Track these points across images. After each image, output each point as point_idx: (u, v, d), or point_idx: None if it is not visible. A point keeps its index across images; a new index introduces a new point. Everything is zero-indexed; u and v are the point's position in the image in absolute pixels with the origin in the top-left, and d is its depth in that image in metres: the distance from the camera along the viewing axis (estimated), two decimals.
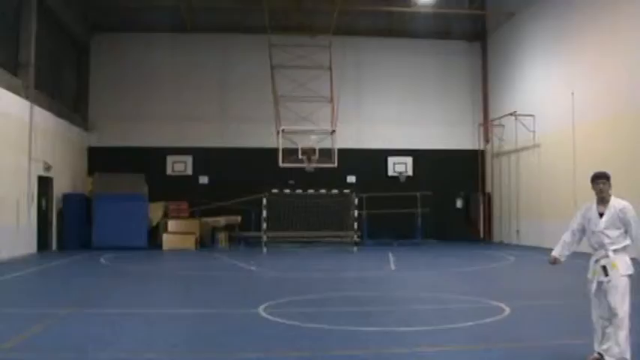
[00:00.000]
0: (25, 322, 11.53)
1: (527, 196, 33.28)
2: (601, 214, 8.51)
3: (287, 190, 31.02)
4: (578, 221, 8.77)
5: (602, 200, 8.56)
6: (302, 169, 33.56)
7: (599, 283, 8.43)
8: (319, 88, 34.79)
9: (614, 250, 8.37)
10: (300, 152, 33.38)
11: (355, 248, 30.23)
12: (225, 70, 36.70)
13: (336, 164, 33.21)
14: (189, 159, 36.06)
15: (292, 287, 17.20)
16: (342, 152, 33.75)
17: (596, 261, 8.50)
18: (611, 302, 8.26)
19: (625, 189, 24.71)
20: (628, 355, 8.12)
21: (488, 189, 38.45)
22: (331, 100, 34.56)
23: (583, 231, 8.74)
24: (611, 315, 8.26)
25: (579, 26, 28.42)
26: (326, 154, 33.41)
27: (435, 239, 35.59)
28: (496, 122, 36.61)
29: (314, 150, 33.56)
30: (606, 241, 8.40)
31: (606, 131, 26.18)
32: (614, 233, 8.37)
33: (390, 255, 27.07)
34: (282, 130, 33.03)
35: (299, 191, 31.09)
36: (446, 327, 11.16)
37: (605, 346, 8.35)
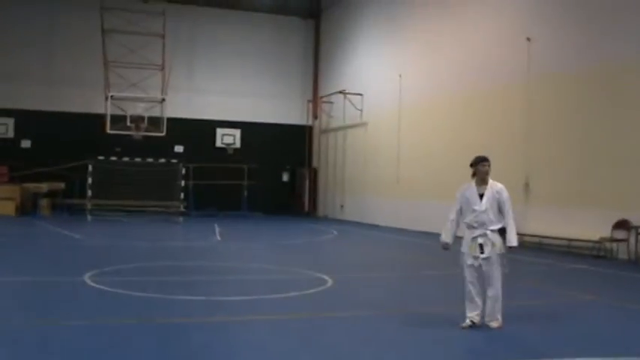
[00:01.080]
0: None
1: (352, 172, 34.34)
2: (481, 195, 9.20)
3: (114, 158, 30.59)
4: (459, 202, 9.41)
5: (483, 181, 9.28)
6: (130, 137, 33.07)
7: (475, 258, 9.15)
8: (151, 55, 34.23)
9: (492, 230, 9.15)
10: (128, 119, 32.87)
11: (181, 218, 30.26)
12: (53, 30, 35.36)
13: (164, 133, 32.98)
14: (10, 121, 34.55)
15: (118, 256, 17.11)
16: (171, 121, 33.51)
17: (473, 238, 9.17)
18: (490, 277, 9.14)
19: (443, 167, 26.16)
20: (501, 319, 9.14)
21: (314, 164, 39.31)
22: (163, 69, 34.18)
23: (462, 211, 9.38)
24: (486, 286, 9.16)
25: (411, 13, 29.60)
26: (155, 122, 33.08)
27: (261, 212, 36.05)
28: (325, 99, 37.43)
29: (143, 118, 33.14)
30: (487, 220, 9.13)
31: (429, 113, 27.51)
32: (493, 213, 9.14)
33: (216, 226, 27.28)
34: (111, 97, 32.42)
35: (126, 159, 30.71)
36: (270, 297, 11.55)
37: (474, 313, 9.14)
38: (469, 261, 9.20)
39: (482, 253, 9.12)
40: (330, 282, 13.19)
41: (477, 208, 9.16)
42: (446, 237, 9.49)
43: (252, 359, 7.62)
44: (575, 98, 20.60)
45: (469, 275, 9.21)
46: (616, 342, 8.83)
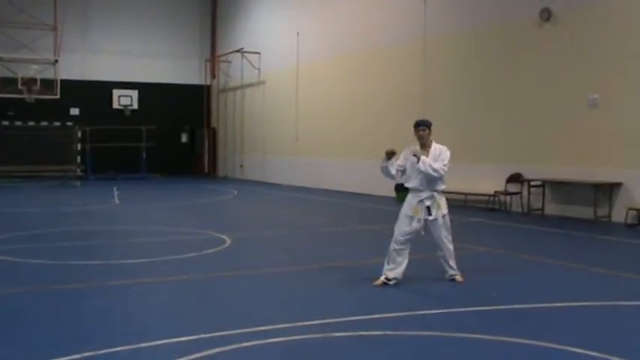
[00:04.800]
0: None
1: (251, 131, 34.26)
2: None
3: (5, 122, 29.69)
4: (400, 162, 9.36)
5: (423, 146, 9.26)
6: (22, 100, 32.16)
7: (422, 221, 9.20)
8: (42, 14, 33.19)
9: (438, 192, 9.29)
10: (20, 82, 31.93)
11: (78, 182, 29.68)
12: None
13: (58, 95, 32.19)
14: None
15: (12, 223, 16.65)
16: (66, 83, 32.72)
17: (420, 201, 9.20)
18: (440, 237, 9.33)
19: (341, 125, 26.38)
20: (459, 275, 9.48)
21: (213, 124, 39.03)
22: (55, 29, 33.23)
23: (404, 172, 9.37)
24: (437, 248, 9.47)
25: None
26: (48, 84, 32.23)
27: (161, 173, 35.66)
28: (223, 58, 37.10)
29: (35, 80, 32.25)
30: (431, 181, 9.18)
31: (326, 72, 27.62)
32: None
33: (114, 189, 26.91)
34: (1, 58, 31.40)
35: (19, 123, 29.86)
36: (169, 258, 11.51)
37: (394, 272, 9.17)
38: (407, 227, 9.19)
39: (429, 215, 9.21)
40: (228, 241, 13.23)
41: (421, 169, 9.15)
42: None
43: (150, 320, 7.59)
44: (470, 57, 21.03)
45: (401, 237, 9.19)
46: (502, 291, 9.14)
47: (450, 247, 9.44)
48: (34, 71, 32.77)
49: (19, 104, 32.24)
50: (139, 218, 18.31)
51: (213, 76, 38.55)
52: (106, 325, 7.35)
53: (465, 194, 20.36)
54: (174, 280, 9.75)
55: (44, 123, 30.28)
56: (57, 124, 30.56)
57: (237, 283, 9.69)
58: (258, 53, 33.17)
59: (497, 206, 19.69)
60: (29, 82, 32.07)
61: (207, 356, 6.14)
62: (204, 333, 6.77)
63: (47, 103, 32.17)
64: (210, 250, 12.25)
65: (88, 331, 7.06)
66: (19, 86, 31.84)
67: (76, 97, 34.43)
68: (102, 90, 35.87)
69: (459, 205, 20.25)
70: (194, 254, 11.84)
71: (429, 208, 9.23)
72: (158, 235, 14.74)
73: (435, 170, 9.07)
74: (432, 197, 9.24)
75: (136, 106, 36.74)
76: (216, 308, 8.18)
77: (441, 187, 9.34)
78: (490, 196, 19.66)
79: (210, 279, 9.93)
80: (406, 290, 8.94)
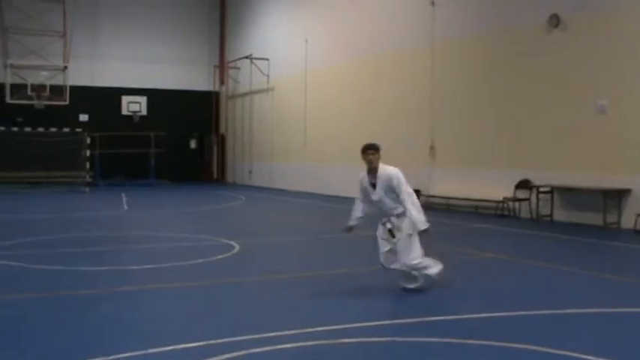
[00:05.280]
0: None
1: (260, 138, 34.28)
2: (373, 184, 9.00)
3: (15, 128, 29.76)
4: (360, 191, 9.25)
5: (372, 170, 9.02)
6: (32, 106, 32.26)
7: (388, 242, 9.06)
8: (51, 21, 33.34)
9: (397, 215, 8.96)
10: (29, 88, 32.04)
11: (88, 188, 29.72)
12: None
13: (68, 102, 32.27)
14: None
15: (21, 229, 16.71)
16: (75, 89, 32.83)
17: (383, 224, 9.09)
18: (403, 259, 8.93)
19: (349, 131, 26.35)
20: (437, 271, 9.14)
21: (222, 130, 39.06)
22: (64, 35, 33.34)
23: (367, 198, 9.19)
24: (404, 266, 9.01)
25: None
26: (57, 91, 32.32)
27: (169, 180, 35.67)
28: (232, 65, 37.15)
29: (45, 86, 32.38)
30: (385, 209, 8.99)
31: (334, 79, 27.65)
32: (390, 201, 8.93)
33: (123, 195, 26.93)
34: (11, 65, 31.49)
35: (28, 129, 29.93)
36: (177, 264, 11.50)
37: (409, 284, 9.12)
38: (382, 248, 9.14)
39: (393, 237, 9.03)
40: (237, 248, 13.21)
41: (373, 198, 9.01)
42: (349, 220, 9.42)
43: (159, 326, 7.57)
44: (478, 62, 21.00)
45: (382, 256, 9.16)
46: (511, 297, 9.09)
47: (416, 264, 8.97)
48: (43, 77, 32.88)
49: (28, 110, 32.35)
50: (148, 224, 18.30)
51: (222, 83, 38.60)
52: (114, 331, 7.35)
53: (474, 200, 20.34)
54: (182, 286, 9.73)
55: (53, 129, 30.32)
56: (66, 130, 30.60)
57: (246, 289, 9.67)
58: (267, 59, 33.21)
59: (506, 212, 19.64)
60: (39, 88, 32.20)
61: None
62: (214, 339, 6.76)
63: (56, 110, 32.26)
64: (219, 256, 12.24)
65: (97, 337, 7.05)
66: (29, 92, 31.95)
67: (85, 104, 34.55)
68: (111, 96, 35.96)
69: (469, 211, 20.24)
70: (203, 260, 11.83)
71: (391, 231, 9.04)
72: (166, 241, 14.71)
73: (418, 213, 8.84)
74: (389, 221, 9.02)
75: (145, 112, 36.84)
76: (226, 314, 8.16)
77: (399, 210, 8.95)
78: (499, 202, 19.61)
79: (219, 285, 9.93)
80: (414, 297, 8.92)
